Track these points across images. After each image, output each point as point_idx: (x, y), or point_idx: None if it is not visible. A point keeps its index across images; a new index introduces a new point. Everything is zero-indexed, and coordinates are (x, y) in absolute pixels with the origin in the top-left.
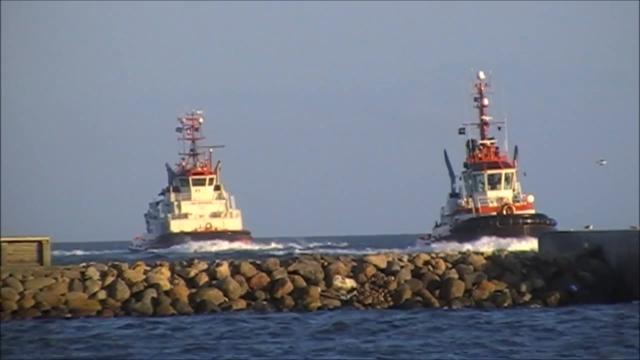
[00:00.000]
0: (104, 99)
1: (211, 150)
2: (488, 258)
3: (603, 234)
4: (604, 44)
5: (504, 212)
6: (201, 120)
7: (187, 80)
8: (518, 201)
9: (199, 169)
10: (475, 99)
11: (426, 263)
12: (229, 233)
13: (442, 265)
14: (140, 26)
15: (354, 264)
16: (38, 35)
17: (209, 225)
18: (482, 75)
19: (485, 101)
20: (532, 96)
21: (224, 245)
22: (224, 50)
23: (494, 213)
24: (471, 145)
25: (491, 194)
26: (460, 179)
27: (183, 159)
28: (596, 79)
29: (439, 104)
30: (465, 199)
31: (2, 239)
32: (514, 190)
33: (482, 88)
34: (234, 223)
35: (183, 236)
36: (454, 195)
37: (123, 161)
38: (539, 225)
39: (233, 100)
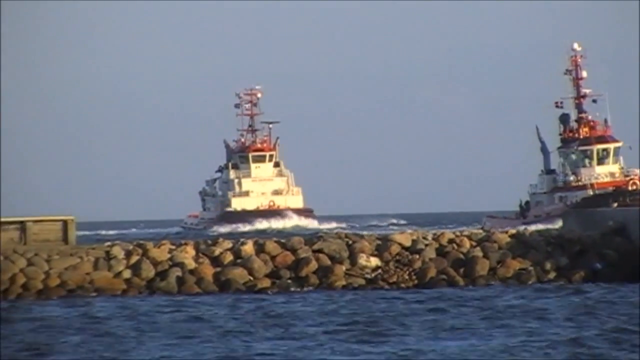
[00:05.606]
0: (160, 77)
1: (270, 126)
2: (512, 236)
3: (626, 211)
4: None
5: (630, 187)
6: (259, 95)
7: (245, 56)
8: (628, 176)
9: (259, 145)
10: (568, 72)
11: (450, 241)
12: (292, 211)
13: (467, 243)
14: (199, 3)
15: (379, 242)
16: (88, 9)
17: (272, 203)
18: (576, 46)
19: (584, 73)
20: (622, 70)
21: (313, 224)
22: (283, 27)
23: (612, 188)
24: (569, 120)
25: (600, 169)
26: (559, 155)
27: (242, 135)
28: None
29: (529, 80)
30: (571, 176)
31: (27, 219)
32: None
33: (578, 59)
34: (296, 201)
35: (245, 214)
36: (550, 172)
37: (177, 139)
38: None
39: (291, 77)
